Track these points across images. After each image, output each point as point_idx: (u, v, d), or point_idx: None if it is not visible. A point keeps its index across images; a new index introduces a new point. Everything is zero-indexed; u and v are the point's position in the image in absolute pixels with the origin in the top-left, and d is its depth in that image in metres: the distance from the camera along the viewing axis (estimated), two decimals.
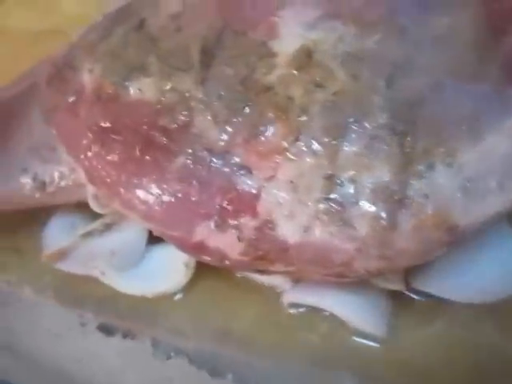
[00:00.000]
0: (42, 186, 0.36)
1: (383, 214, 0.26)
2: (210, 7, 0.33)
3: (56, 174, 0.35)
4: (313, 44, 0.30)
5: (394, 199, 0.26)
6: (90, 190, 0.33)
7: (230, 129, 0.28)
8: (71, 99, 0.32)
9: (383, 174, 0.26)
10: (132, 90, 0.30)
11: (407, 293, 0.32)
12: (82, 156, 0.31)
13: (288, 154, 0.27)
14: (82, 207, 0.38)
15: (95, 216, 0.37)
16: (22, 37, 0.52)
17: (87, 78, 0.32)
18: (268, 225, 0.27)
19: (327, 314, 0.33)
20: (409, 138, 0.26)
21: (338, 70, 0.28)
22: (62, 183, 0.36)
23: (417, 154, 0.26)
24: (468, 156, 0.26)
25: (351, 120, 0.27)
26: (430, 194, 0.26)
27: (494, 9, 0.29)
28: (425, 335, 0.32)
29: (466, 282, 0.31)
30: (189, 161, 0.28)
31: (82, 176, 0.33)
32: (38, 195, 0.36)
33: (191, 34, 0.32)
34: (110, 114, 0.30)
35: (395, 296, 0.33)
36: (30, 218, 0.40)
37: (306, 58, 0.29)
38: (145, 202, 0.29)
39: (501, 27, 0.29)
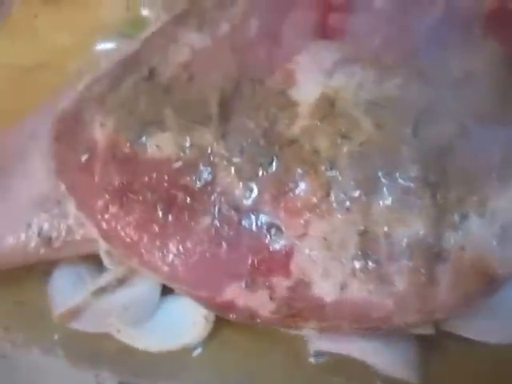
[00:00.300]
0: (47, 241, 0.34)
1: (421, 269, 0.25)
2: (223, 54, 0.32)
3: (63, 229, 0.34)
4: (333, 92, 0.29)
5: (431, 253, 0.25)
6: (104, 246, 0.32)
7: (255, 186, 0.27)
8: (84, 157, 0.30)
9: (418, 227, 0.26)
10: (149, 147, 0.29)
11: (437, 336, 0.32)
12: (99, 216, 0.29)
13: (319, 210, 0.26)
14: (88, 258, 0.36)
15: (102, 266, 0.36)
16: (9, 71, 0.50)
17: (99, 133, 0.31)
18: (302, 284, 0.26)
19: (355, 359, 0.32)
20: (441, 189, 0.26)
21: (363, 120, 0.28)
22: (69, 238, 0.34)
23: (450, 205, 0.26)
24: (500, 203, 0.26)
25: (381, 173, 0.26)
26: (466, 245, 0.25)
27: None
28: (455, 376, 0.32)
29: (497, 323, 0.31)
30: (215, 221, 0.27)
31: (92, 231, 0.32)
32: (43, 251, 0.35)
33: (206, 83, 0.31)
34: (127, 172, 0.29)
35: (425, 339, 0.32)
36: (33, 269, 0.38)
37: (328, 107, 0.28)
38: (169, 264, 0.28)
39: None
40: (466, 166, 0.26)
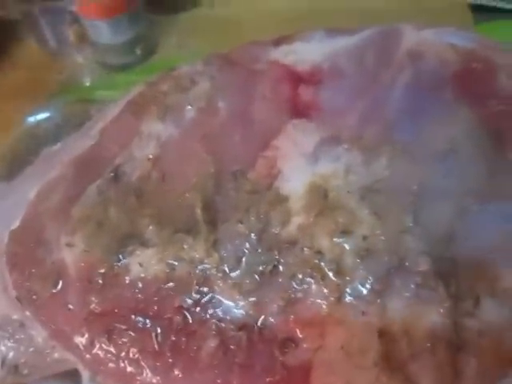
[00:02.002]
0: (14, 369, 0.30)
1: (444, 363, 0.24)
2: (193, 145, 0.29)
3: (31, 355, 0.30)
4: (323, 180, 0.27)
5: (451, 344, 0.24)
6: (87, 375, 0.28)
7: (260, 298, 0.25)
8: (53, 286, 0.26)
9: (435, 320, 0.24)
10: (131, 266, 0.26)
11: None
12: (83, 351, 0.26)
13: (333, 317, 0.24)
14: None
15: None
16: None
17: (68, 255, 0.27)
18: None
19: None
20: (452, 278, 0.25)
21: (360, 210, 0.26)
22: (40, 363, 0.30)
23: (463, 292, 0.25)
24: (509, 280, 0.26)
25: (391, 269, 0.25)
26: (484, 331, 0.25)
27: (492, 111, 0.29)
28: None
29: None
30: (221, 343, 0.24)
31: (70, 356, 0.28)
32: (10, 379, 0.30)
33: (182, 183, 0.27)
34: (109, 299, 0.25)
35: None
36: None
37: (322, 199, 0.26)
38: None
39: (506, 130, 0.28)
40: (471, 249, 0.25)
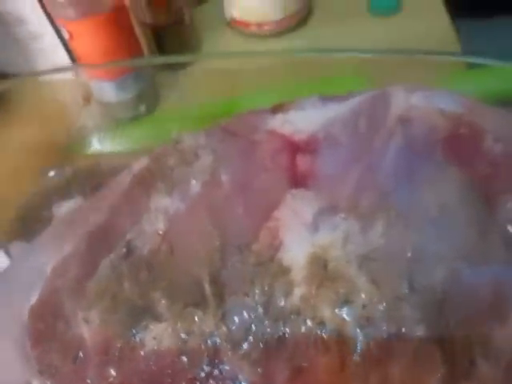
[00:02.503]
0: None
1: None
2: (199, 218, 0.31)
3: None
4: (322, 251, 0.29)
5: None
6: None
7: (267, 369, 0.26)
8: (72, 360, 0.28)
9: None
10: (146, 340, 0.27)
11: None
12: None
13: None
14: None
15: None
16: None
17: (85, 330, 0.28)
18: None
19: None
20: (447, 343, 0.26)
21: (358, 278, 0.27)
22: None
23: (458, 355, 0.26)
24: (501, 341, 0.27)
25: (390, 337, 0.26)
26: None
27: (481, 174, 0.31)
28: None
29: None
30: None
31: None
32: None
33: (189, 256, 0.29)
34: (125, 372, 0.27)
35: None
36: None
37: (322, 270, 0.28)
38: None
39: (495, 192, 0.30)
40: (464, 313, 0.27)
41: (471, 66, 0.54)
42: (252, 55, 0.55)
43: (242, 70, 0.58)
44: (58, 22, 0.50)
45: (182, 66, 0.58)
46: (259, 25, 0.59)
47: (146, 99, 0.57)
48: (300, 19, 0.61)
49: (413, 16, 0.61)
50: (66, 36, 0.50)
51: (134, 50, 0.53)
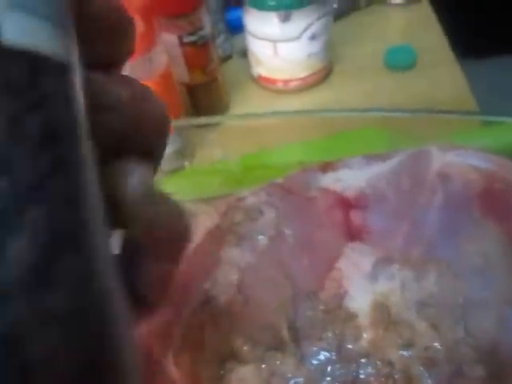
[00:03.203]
0: None
1: None
2: (269, 270, 0.34)
3: None
4: (384, 298, 0.32)
5: None
6: None
7: None
8: None
9: None
10: (233, 382, 0.30)
11: None
12: None
13: None
14: None
15: None
16: None
17: (176, 373, 0.31)
18: None
19: None
20: (502, 381, 0.30)
21: (418, 323, 0.31)
22: None
23: None
24: None
25: (453, 376, 0.29)
26: None
27: None
28: None
29: None
30: None
31: None
32: None
33: (265, 306, 0.33)
34: None
35: None
36: None
37: (386, 316, 0.31)
38: None
39: None
40: (510, 356, 0.30)
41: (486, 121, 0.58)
42: (278, 115, 0.60)
43: (270, 126, 0.63)
44: None
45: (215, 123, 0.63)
46: (285, 82, 0.64)
47: (182, 155, 0.61)
48: (323, 75, 0.66)
49: (425, 70, 0.66)
50: None
51: (176, 111, 0.57)
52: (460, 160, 0.38)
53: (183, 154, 0.59)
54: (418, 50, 0.68)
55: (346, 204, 0.36)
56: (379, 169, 0.38)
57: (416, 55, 0.67)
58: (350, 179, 0.38)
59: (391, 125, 0.52)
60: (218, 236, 0.35)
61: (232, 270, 0.33)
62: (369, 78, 0.68)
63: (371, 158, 0.39)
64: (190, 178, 0.59)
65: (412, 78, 0.67)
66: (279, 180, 0.39)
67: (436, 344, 0.29)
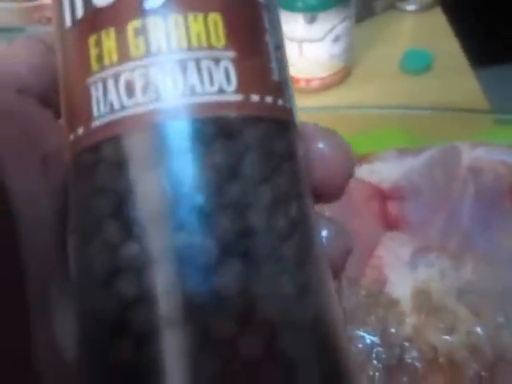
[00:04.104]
0: None
1: None
2: None
3: None
4: (425, 285, 0.32)
5: None
6: None
7: None
8: None
9: None
10: None
11: None
12: None
13: None
14: None
15: None
16: None
17: None
18: None
19: None
20: None
21: (459, 309, 0.31)
22: None
23: None
24: None
25: (496, 361, 0.30)
26: None
27: None
28: None
29: None
30: None
31: None
32: None
33: None
34: None
35: None
36: None
37: (427, 302, 0.32)
38: None
39: None
40: None
41: (500, 120, 0.59)
42: (307, 111, 0.60)
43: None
44: None
45: None
46: (308, 81, 0.64)
47: None
48: (342, 76, 0.66)
49: (441, 74, 0.67)
50: None
51: None
52: (489, 155, 0.38)
53: None
54: (432, 55, 0.68)
55: (382, 195, 0.36)
56: (412, 163, 0.39)
57: (432, 60, 0.67)
58: (385, 172, 0.38)
59: (409, 125, 0.52)
60: None
61: None
62: (385, 81, 0.69)
63: (403, 152, 0.40)
64: None
65: (426, 82, 0.68)
66: None
67: (478, 329, 0.29)
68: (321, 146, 0.14)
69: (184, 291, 0.10)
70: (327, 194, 0.14)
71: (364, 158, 0.39)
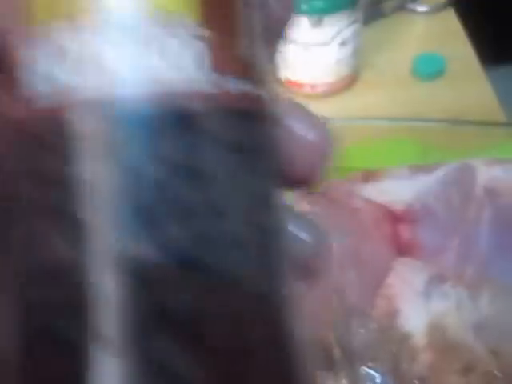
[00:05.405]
0: None
1: None
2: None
3: None
4: (439, 319, 0.30)
5: None
6: None
7: None
8: None
9: None
10: None
11: None
12: None
13: None
14: None
15: None
16: None
17: None
18: None
19: None
20: None
21: (476, 347, 0.29)
22: None
23: None
24: None
25: None
26: None
27: None
28: None
29: None
30: None
31: None
32: None
33: (313, 320, 0.31)
34: None
35: None
36: None
37: (442, 338, 0.30)
38: None
39: None
40: None
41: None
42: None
43: None
44: None
45: None
46: (312, 86, 0.63)
47: None
48: (349, 81, 0.65)
49: (454, 80, 0.65)
50: None
51: None
52: (507, 175, 0.36)
53: None
54: (445, 59, 0.66)
55: (393, 217, 0.34)
56: (425, 182, 0.37)
57: (445, 64, 0.65)
58: (396, 191, 0.36)
59: (421, 137, 0.50)
60: None
61: None
62: (395, 87, 0.67)
63: (415, 169, 0.38)
64: None
65: (439, 88, 0.66)
66: (322, 189, 0.37)
67: (495, 370, 0.28)
68: (291, 122, 0.12)
69: (122, 304, 0.09)
70: (299, 176, 0.13)
71: (372, 175, 0.37)
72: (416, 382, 0.28)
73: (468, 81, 0.65)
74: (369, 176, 0.38)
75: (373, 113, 0.65)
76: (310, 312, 0.29)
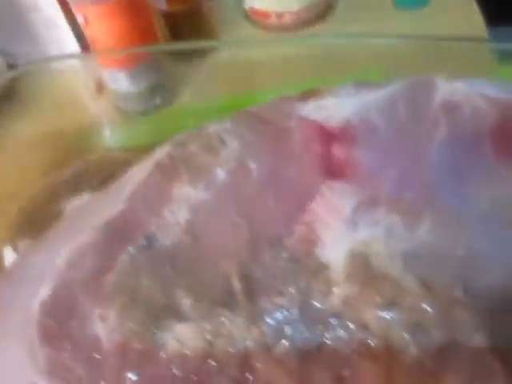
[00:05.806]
0: None
1: None
2: (226, 210, 0.28)
3: None
4: (363, 247, 0.25)
5: None
6: None
7: (305, 377, 0.23)
8: (87, 363, 0.25)
9: None
10: (167, 342, 0.24)
11: None
12: None
13: None
14: None
15: None
16: None
17: (101, 328, 0.25)
18: None
19: None
20: (509, 354, 0.23)
21: (405, 279, 0.24)
22: None
23: None
24: None
25: (443, 346, 0.23)
26: None
27: None
28: None
29: None
30: None
31: None
32: None
33: (216, 250, 0.26)
34: (145, 376, 0.24)
35: None
36: None
37: (364, 269, 0.25)
38: None
39: None
40: None
41: (502, 61, 0.50)
42: (271, 42, 0.52)
43: (262, 62, 0.55)
44: (74, 7, 0.47)
45: (199, 56, 0.55)
46: (279, 15, 0.57)
47: (161, 91, 0.54)
48: (321, 11, 0.58)
49: (440, 10, 0.58)
50: (82, 22, 0.47)
51: (150, 39, 0.50)
52: (469, 89, 0.31)
53: (158, 92, 0.52)
54: None
55: (327, 135, 0.29)
56: (372, 97, 0.31)
57: None
58: (336, 108, 0.31)
59: (394, 64, 0.45)
60: (170, 168, 0.28)
61: (182, 208, 0.27)
62: (374, 18, 0.60)
63: (363, 85, 0.32)
64: (166, 120, 0.52)
65: (423, 20, 0.59)
66: (252, 108, 0.32)
67: (425, 305, 0.23)
68: None
69: None
70: None
71: (312, 94, 0.32)
72: (332, 319, 0.23)
73: (455, 10, 0.59)
74: (309, 94, 0.33)
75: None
76: (210, 242, 0.24)
